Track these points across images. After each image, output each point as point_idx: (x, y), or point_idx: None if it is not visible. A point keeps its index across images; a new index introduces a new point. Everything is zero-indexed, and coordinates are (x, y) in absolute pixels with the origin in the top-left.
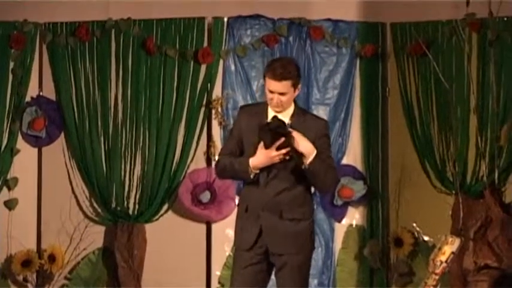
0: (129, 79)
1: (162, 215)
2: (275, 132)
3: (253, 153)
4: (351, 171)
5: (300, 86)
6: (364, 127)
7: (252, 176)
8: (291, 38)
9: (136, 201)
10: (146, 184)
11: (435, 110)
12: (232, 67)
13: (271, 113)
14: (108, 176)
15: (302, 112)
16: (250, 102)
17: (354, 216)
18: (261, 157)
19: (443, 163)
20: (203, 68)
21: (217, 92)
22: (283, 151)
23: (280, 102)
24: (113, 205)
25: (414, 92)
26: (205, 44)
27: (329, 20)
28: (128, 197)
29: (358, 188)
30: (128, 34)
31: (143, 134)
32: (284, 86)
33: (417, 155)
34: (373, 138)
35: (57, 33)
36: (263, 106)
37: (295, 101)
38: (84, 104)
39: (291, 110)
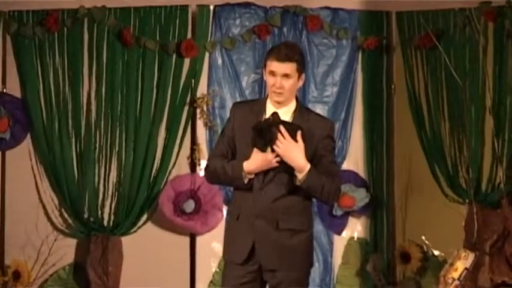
0: (104, 74)
1: (140, 227)
2: (271, 130)
3: (248, 155)
4: (352, 177)
5: (304, 76)
6: (367, 128)
7: (245, 182)
8: (285, 29)
9: (112, 211)
10: (123, 192)
11: (446, 109)
12: (219, 61)
13: (269, 109)
14: (80, 183)
15: (305, 110)
16: (238, 100)
17: (356, 228)
18: (257, 161)
19: (455, 168)
20: (186, 62)
21: (202, 89)
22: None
23: (282, 86)
24: (86, 215)
25: (423, 89)
26: (189, 35)
27: (327, 8)
28: (102, 207)
29: (360, 197)
30: (102, 24)
31: (119, 135)
32: (289, 67)
33: (426, 159)
34: (377, 141)
35: (23, 23)
36: (261, 102)
37: (297, 98)
38: (53, 102)
39: (292, 106)
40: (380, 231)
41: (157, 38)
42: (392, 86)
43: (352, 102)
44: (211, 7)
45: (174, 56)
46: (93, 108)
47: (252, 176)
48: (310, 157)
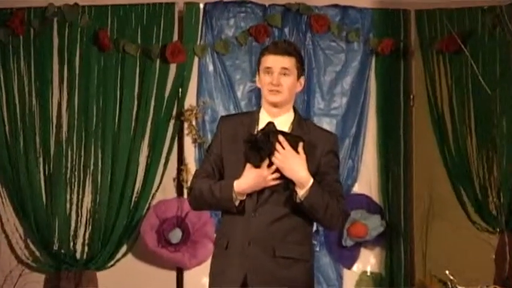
0: (77, 83)
1: (119, 260)
2: (268, 140)
3: (239, 174)
4: (364, 202)
5: (303, 80)
6: (381, 145)
7: (236, 204)
8: (286, 30)
9: (86, 241)
10: (98, 219)
11: (473, 122)
12: (211, 67)
13: (264, 120)
14: (49, 209)
15: (305, 121)
16: (234, 112)
17: (369, 261)
18: (250, 179)
19: (484, 192)
20: (172, 68)
21: (190, 100)
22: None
23: (280, 83)
24: (55, 247)
25: (446, 99)
26: (175, 37)
27: (335, 6)
28: (75, 237)
29: (374, 225)
30: (75, 25)
31: (95, 154)
32: (287, 61)
33: (450, 181)
34: (393, 160)
35: None
36: (253, 114)
37: (295, 109)
38: (18, 115)
39: (290, 116)
40: (397, 265)
41: (139, 41)
42: (411, 97)
43: (364, 115)
44: (201, 5)
45: (158, 62)
46: (64, 122)
47: (244, 197)
48: (312, 174)
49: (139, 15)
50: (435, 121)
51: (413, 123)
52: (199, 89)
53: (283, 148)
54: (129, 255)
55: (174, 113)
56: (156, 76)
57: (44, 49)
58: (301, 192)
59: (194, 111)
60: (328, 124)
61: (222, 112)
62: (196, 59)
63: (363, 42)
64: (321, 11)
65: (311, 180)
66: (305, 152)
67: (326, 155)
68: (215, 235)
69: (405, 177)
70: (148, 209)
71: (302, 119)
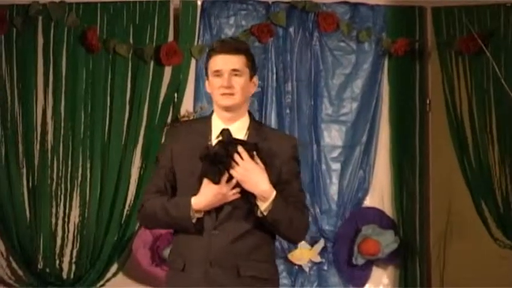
0: (63, 87)
1: (109, 280)
2: (228, 152)
3: (194, 187)
4: (376, 217)
5: (256, 79)
6: (395, 155)
7: (193, 222)
8: (291, 29)
9: (73, 259)
10: (87, 236)
11: (495, 129)
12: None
13: (217, 127)
14: (33, 224)
15: (261, 126)
16: None
17: (381, 281)
18: (209, 195)
19: (506, 206)
20: (167, 71)
21: (187, 105)
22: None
23: (232, 85)
24: (40, 265)
25: (465, 104)
26: (171, 37)
27: (345, 3)
28: (61, 254)
29: (387, 241)
30: (61, 23)
31: (82, 164)
32: (237, 60)
33: (470, 194)
34: (408, 171)
35: None
36: (205, 120)
37: (250, 112)
38: None
39: (245, 120)
40: (411, 285)
41: (131, 41)
42: (427, 101)
43: (376, 122)
44: (199, 2)
45: (152, 64)
46: (49, 129)
47: (202, 214)
48: (274, 184)
49: (131, 13)
50: (453, 128)
51: (429, 130)
52: (196, 93)
53: (242, 159)
54: (120, 275)
55: (169, 119)
56: (150, 79)
57: (27, 50)
58: (263, 206)
59: (191, 117)
60: (337, 131)
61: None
62: (193, 61)
63: (374, 43)
64: (329, 8)
65: (274, 193)
66: (264, 161)
67: (287, 163)
68: (168, 258)
69: (421, 189)
70: (140, 224)
71: (257, 123)
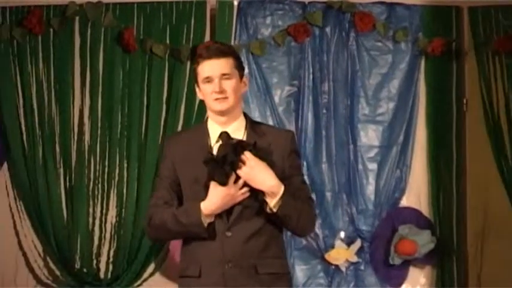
0: (100, 87)
1: (146, 280)
2: (235, 154)
3: (200, 195)
4: (413, 216)
5: (246, 78)
6: (432, 154)
7: (205, 226)
8: (327, 29)
9: (110, 259)
10: (124, 235)
11: None
12: (245, 70)
13: (214, 131)
14: (70, 225)
15: (257, 124)
16: (270, 119)
17: (418, 281)
18: (218, 198)
19: None
20: None
21: None
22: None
23: (224, 90)
24: (77, 265)
25: (503, 104)
26: (207, 37)
27: (382, 3)
28: (98, 254)
29: (424, 241)
30: (98, 24)
31: (119, 164)
32: (226, 64)
33: (507, 194)
34: (445, 171)
35: None
36: (200, 127)
37: (245, 113)
38: (36, 123)
39: (242, 121)
40: (449, 284)
41: (167, 41)
42: (464, 101)
43: (412, 121)
44: (236, 2)
45: (188, 64)
46: (86, 129)
47: (212, 218)
48: (280, 179)
49: (168, 14)
50: (491, 128)
51: (466, 130)
52: None
53: (247, 158)
54: (157, 275)
55: (206, 119)
56: (186, 79)
57: (64, 50)
58: (272, 202)
59: None
60: (373, 131)
61: (258, 118)
62: None
63: (411, 42)
64: (366, 8)
65: (282, 188)
66: (265, 158)
67: (288, 157)
68: (180, 265)
69: (458, 189)
70: None
71: (253, 122)
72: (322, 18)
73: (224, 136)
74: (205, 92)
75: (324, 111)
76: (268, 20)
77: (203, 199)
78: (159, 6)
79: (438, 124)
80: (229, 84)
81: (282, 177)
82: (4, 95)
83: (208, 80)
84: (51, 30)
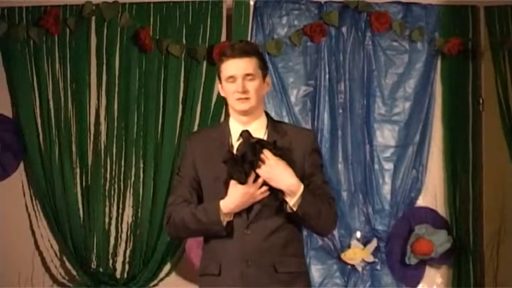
0: (116, 87)
1: (162, 279)
2: (254, 153)
3: (221, 193)
4: (429, 216)
5: (269, 78)
6: (448, 154)
7: (224, 225)
8: (344, 29)
9: (126, 259)
10: (140, 235)
11: None
12: None
13: (236, 129)
14: (87, 225)
15: (278, 123)
16: (286, 119)
17: (434, 281)
18: (237, 197)
19: None
20: None
21: None
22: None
23: (247, 90)
24: (93, 265)
25: None
26: (223, 37)
27: (398, 2)
28: (115, 254)
29: (440, 241)
30: (114, 24)
31: (135, 164)
32: (250, 63)
33: None
34: (461, 170)
35: (14, 23)
36: (222, 126)
37: (266, 112)
38: (53, 123)
39: (263, 120)
40: (465, 284)
41: (184, 41)
42: (480, 101)
43: (429, 121)
44: (252, 2)
45: (205, 64)
46: (102, 129)
47: (232, 217)
48: (299, 179)
49: (184, 13)
50: (507, 128)
51: (482, 130)
52: None
53: (266, 157)
54: (173, 274)
55: (222, 119)
56: (202, 79)
57: (80, 50)
58: (292, 201)
59: None
60: (390, 131)
61: (274, 118)
62: None
63: (427, 42)
64: (382, 8)
65: (302, 187)
66: (286, 158)
67: (309, 156)
68: (200, 264)
69: (474, 189)
70: None
71: (274, 121)
72: (338, 18)
73: (245, 135)
74: (227, 90)
75: (340, 111)
76: (285, 20)
77: (223, 198)
78: (176, 6)
79: (454, 124)
80: (252, 85)
81: (302, 176)
82: (21, 95)
83: (232, 79)
84: (68, 30)
